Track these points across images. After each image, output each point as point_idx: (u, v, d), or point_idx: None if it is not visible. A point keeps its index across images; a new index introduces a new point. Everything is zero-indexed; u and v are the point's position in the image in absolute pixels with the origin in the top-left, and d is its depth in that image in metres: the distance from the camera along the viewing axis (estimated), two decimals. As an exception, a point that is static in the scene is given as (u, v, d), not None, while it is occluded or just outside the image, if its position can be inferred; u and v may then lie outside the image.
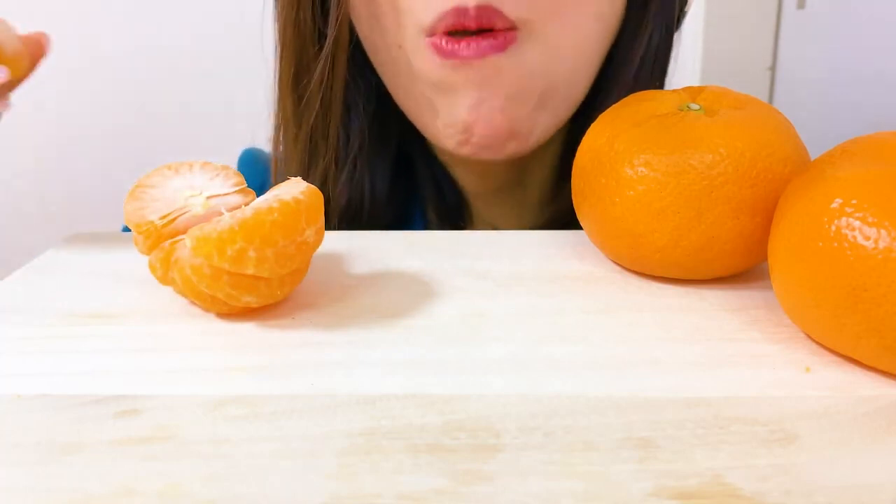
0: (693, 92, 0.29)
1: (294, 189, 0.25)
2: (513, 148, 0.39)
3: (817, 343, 0.23)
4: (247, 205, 0.25)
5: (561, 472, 0.17)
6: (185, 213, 0.26)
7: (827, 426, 0.19)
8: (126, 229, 0.49)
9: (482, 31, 0.35)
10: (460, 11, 0.34)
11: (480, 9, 0.34)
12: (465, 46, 0.35)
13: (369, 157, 0.43)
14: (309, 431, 0.19)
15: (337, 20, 0.37)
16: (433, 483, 0.17)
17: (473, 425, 0.19)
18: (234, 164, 0.50)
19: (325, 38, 0.38)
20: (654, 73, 0.42)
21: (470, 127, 0.37)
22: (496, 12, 0.34)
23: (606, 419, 0.19)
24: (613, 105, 0.30)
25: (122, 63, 0.97)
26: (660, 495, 0.16)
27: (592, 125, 0.29)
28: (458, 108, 0.37)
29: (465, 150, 0.39)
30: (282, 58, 0.40)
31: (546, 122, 0.39)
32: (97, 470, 0.17)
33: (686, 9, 0.44)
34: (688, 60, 0.89)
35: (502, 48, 0.35)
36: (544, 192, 0.46)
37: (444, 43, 0.35)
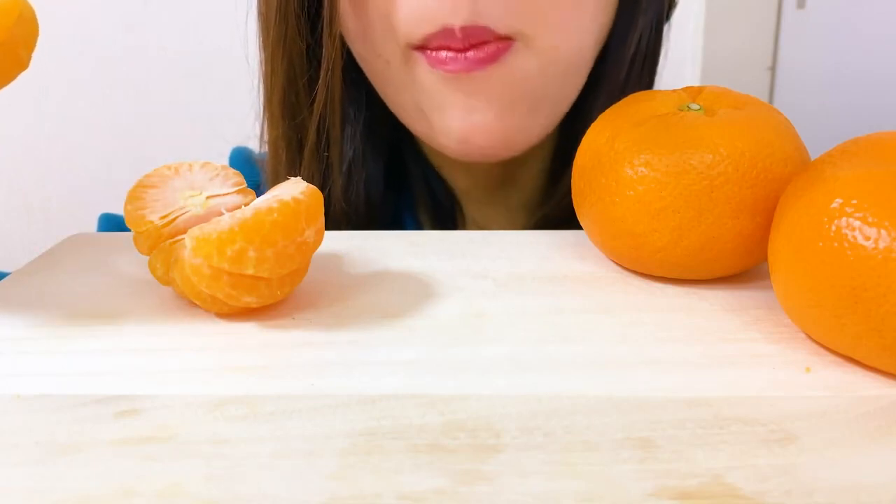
0: (693, 92, 0.29)
1: (294, 189, 0.25)
2: (511, 151, 0.39)
3: (817, 343, 0.23)
4: (247, 205, 0.25)
5: (561, 472, 0.17)
6: (185, 213, 0.26)
7: (827, 426, 0.19)
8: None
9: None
10: (448, 32, 0.33)
11: (468, 28, 0.33)
12: (453, 59, 0.34)
13: (364, 162, 0.42)
14: (309, 431, 0.19)
15: (333, 44, 0.36)
16: (433, 483, 0.17)
17: (473, 425, 0.19)
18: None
19: (316, 58, 0.37)
20: (643, 72, 0.41)
21: (466, 137, 0.37)
22: (485, 30, 0.33)
23: (606, 419, 0.19)
24: (613, 105, 0.30)
25: (122, 63, 0.97)
26: (660, 495, 0.16)
27: (593, 125, 0.29)
28: (449, 119, 0.37)
29: (466, 158, 0.39)
30: (272, 82, 0.39)
31: (540, 124, 0.39)
32: (97, 470, 0.17)
33: (675, 1, 0.44)
34: (688, 60, 0.89)
35: (493, 60, 0.34)
36: (534, 195, 0.46)
37: (432, 53, 0.34)
